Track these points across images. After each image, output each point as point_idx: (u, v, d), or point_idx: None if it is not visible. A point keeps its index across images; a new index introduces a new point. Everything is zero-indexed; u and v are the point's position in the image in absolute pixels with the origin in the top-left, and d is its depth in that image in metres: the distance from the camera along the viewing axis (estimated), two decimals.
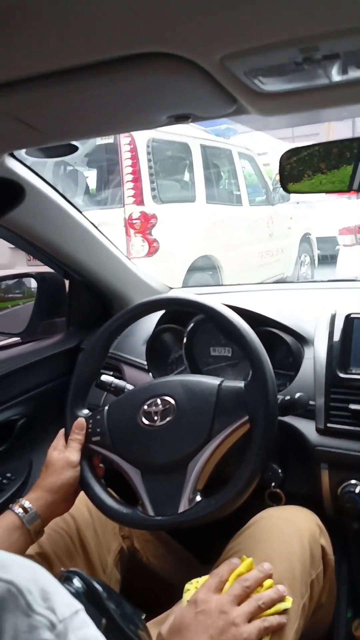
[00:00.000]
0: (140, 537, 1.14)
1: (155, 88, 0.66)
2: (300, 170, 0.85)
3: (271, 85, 0.64)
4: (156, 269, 4.21)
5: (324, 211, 7.37)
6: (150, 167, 4.61)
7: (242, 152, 5.98)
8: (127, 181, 4.53)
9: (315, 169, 0.84)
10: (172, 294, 1.06)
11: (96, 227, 1.30)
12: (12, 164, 1.04)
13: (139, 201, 4.53)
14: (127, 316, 1.06)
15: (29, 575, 0.41)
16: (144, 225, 4.50)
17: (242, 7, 0.49)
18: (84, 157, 4.91)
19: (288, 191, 0.90)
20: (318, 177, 0.84)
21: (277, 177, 7.71)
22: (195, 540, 1.18)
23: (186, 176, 5.15)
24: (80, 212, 1.23)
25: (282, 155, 0.85)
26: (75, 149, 0.96)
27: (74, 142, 0.96)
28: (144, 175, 4.55)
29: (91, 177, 5.00)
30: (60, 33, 0.53)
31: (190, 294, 1.07)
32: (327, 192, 0.88)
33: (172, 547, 1.20)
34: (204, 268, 4.84)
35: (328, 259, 6.91)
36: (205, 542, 0.89)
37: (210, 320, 1.02)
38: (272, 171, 6.98)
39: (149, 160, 4.60)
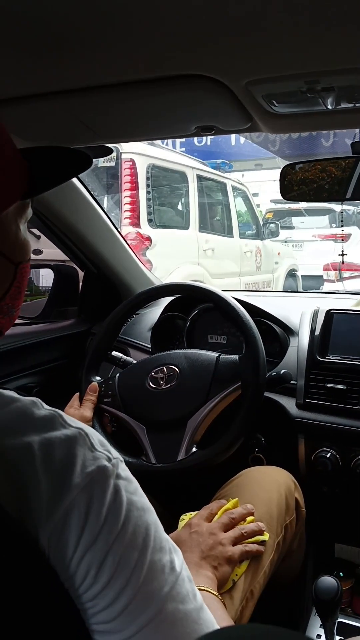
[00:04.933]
0: None
1: (192, 102, 0.85)
2: (298, 180, 1.04)
3: (281, 107, 0.84)
4: None
5: (311, 251, 7.53)
6: (148, 192, 4.83)
7: (236, 186, 6.25)
8: (125, 203, 4.74)
9: (312, 180, 1.03)
10: (181, 281, 1.25)
11: (115, 227, 1.48)
12: None
13: (135, 223, 4.73)
14: (143, 297, 1.24)
15: (91, 430, 0.57)
16: (138, 246, 4.69)
17: (266, 47, 0.68)
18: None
19: (286, 199, 1.08)
20: (314, 186, 1.03)
21: (267, 215, 7.89)
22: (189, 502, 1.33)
23: (181, 204, 5.38)
24: (104, 211, 1.42)
25: (283, 168, 1.04)
26: (110, 151, 1.15)
27: (110, 145, 1.14)
28: (141, 199, 4.76)
29: None
30: (127, 52, 0.72)
31: (196, 283, 1.26)
32: (322, 201, 1.05)
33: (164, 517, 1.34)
34: None
35: None
36: (198, 503, 1.05)
37: (213, 305, 1.20)
38: (262, 212, 7.24)
39: (147, 185, 4.82)
